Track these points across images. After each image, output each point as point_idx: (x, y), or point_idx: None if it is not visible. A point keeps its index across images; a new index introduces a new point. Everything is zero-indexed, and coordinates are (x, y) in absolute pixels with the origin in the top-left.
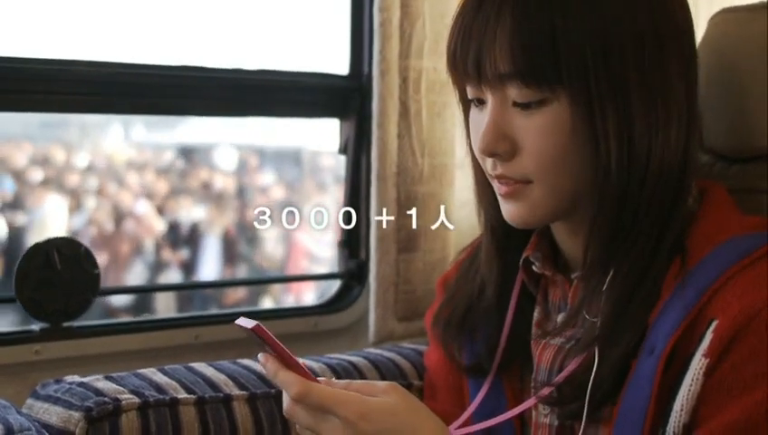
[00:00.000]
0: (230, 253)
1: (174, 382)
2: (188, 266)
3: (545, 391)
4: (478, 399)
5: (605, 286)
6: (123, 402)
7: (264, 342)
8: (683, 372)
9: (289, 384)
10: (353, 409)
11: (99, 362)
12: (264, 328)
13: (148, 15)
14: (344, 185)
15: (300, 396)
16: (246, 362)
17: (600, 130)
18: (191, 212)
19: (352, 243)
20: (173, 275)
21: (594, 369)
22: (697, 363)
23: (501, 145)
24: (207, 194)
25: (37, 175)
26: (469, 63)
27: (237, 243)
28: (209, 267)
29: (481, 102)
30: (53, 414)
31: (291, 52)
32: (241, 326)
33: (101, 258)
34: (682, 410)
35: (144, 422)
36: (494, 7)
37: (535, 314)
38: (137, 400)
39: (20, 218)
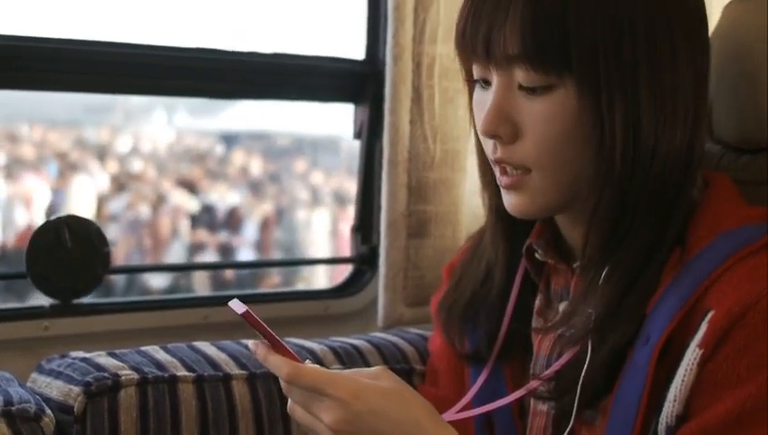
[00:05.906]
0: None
1: (175, 360)
2: (226, 250)
3: (534, 383)
4: (477, 385)
5: (601, 280)
6: (122, 378)
7: (253, 326)
8: (678, 362)
9: (279, 367)
10: (346, 389)
11: (107, 340)
12: (253, 314)
13: None
14: (358, 170)
15: (290, 377)
16: (249, 342)
17: (607, 119)
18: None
19: (365, 228)
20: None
21: (586, 364)
22: (692, 354)
23: (503, 127)
24: (246, 180)
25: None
26: (479, 43)
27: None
28: (245, 252)
29: (487, 83)
30: (54, 388)
31: (310, 35)
32: (232, 309)
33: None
34: (675, 400)
35: (142, 398)
36: None
37: (537, 302)
38: (136, 376)
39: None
